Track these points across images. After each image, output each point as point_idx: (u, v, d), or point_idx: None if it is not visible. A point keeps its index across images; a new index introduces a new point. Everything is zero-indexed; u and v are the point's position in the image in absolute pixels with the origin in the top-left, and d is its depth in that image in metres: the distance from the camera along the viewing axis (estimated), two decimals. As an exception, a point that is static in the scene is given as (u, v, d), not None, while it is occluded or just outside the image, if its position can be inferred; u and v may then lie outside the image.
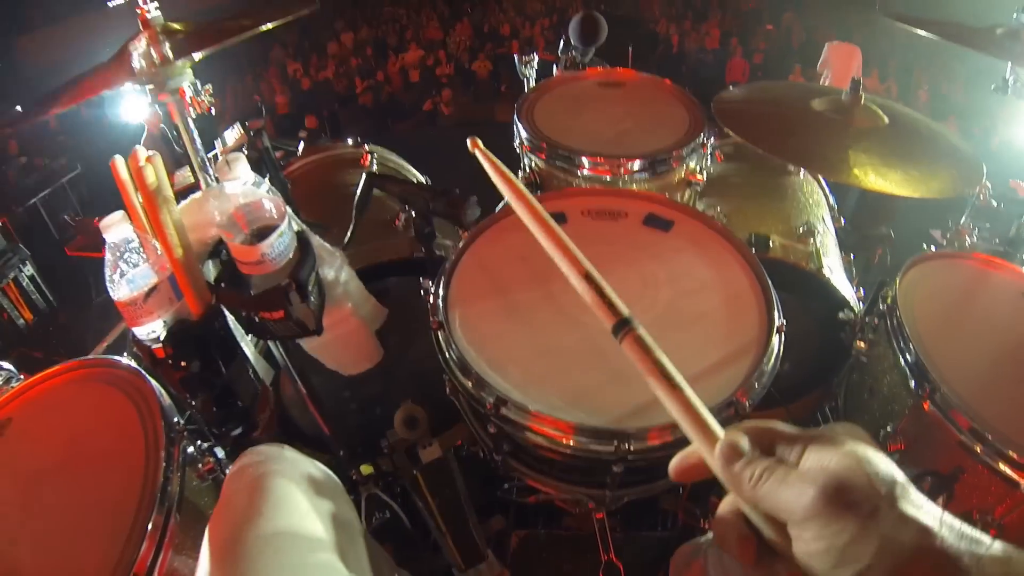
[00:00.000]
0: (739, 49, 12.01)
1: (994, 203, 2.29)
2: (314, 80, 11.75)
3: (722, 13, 15.21)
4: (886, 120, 2.03)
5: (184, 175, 4.93)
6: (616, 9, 17.28)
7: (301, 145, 2.74)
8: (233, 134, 3.12)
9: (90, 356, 1.66)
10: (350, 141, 2.78)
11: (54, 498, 1.33)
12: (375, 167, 2.61)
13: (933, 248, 2.22)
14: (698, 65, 12.25)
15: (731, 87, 2.29)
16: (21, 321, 5.30)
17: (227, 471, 1.18)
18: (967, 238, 2.28)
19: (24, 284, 5.28)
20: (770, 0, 16.40)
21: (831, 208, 2.68)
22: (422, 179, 2.89)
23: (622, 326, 0.78)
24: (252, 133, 2.42)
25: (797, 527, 0.60)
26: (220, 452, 1.59)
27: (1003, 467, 1.42)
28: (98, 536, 1.23)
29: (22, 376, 2.18)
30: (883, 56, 10.69)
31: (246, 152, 2.35)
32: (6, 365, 2.18)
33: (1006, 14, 2.04)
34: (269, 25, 1.46)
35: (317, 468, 1.25)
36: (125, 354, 1.60)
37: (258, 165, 2.14)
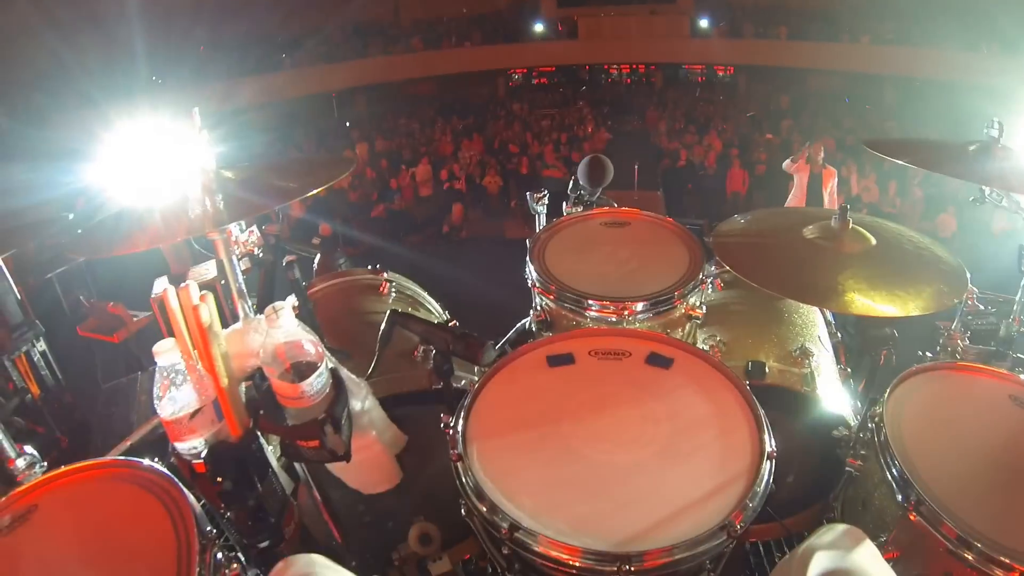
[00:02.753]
0: (736, 161, 12.30)
1: (980, 307, 2.41)
2: (329, 188, 12.01)
3: (723, 124, 15.66)
4: (873, 241, 2.13)
5: (202, 271, 5.11)
6: (623, 126, 17.94)
7: (317, 258, 2.90)
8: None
9: (119, 456, 1.71)
10: (368, 267, 2.94)
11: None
12: (393, 294, 2.78)
13: (928, 355, 2.33)
14: (701, 178, 12.58)
15: (733, 218, 2.43)
16: (28, 395, 5.34)
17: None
18: (959, 342, 2.38)
19: (35, 359, 5.32)
20: (769, 110, 17.08)
21: (828, 324, 2.82)
22: (437, 306, 3.04)
23: None
24: (272, 239, 2.57)
25: None
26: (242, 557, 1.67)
27: (996, 571, 1.49)
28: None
29: (45, 463, 2.25)
30: (879, 157, 11.06)
31: (260, 254, 2.50)
32: (29, 450, 2.24)
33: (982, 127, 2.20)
34: (314, 192, 1.61)
35: None
36: (156, 459, 1.64)
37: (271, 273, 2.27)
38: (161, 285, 4.72)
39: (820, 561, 1.44)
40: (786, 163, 7.97)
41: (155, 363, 1.43)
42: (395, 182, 12.56)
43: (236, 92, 15.18)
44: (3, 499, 1.55)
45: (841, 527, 1.61)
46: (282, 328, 1.45)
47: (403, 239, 10.99)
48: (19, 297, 5.06)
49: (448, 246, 10.83)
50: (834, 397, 2.42)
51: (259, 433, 1.55)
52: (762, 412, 1.70)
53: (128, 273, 6.04)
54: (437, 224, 11.44)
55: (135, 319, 6.02)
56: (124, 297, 6.20)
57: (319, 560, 1.35)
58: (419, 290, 3.00)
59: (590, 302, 2.30)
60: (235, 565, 1.51)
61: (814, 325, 2.71)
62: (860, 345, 2.80)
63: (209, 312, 1.42)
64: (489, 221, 12.07)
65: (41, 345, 5.31)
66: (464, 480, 1.57)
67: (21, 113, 13.10)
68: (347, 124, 18.12)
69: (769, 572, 2.28)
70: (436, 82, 20.80)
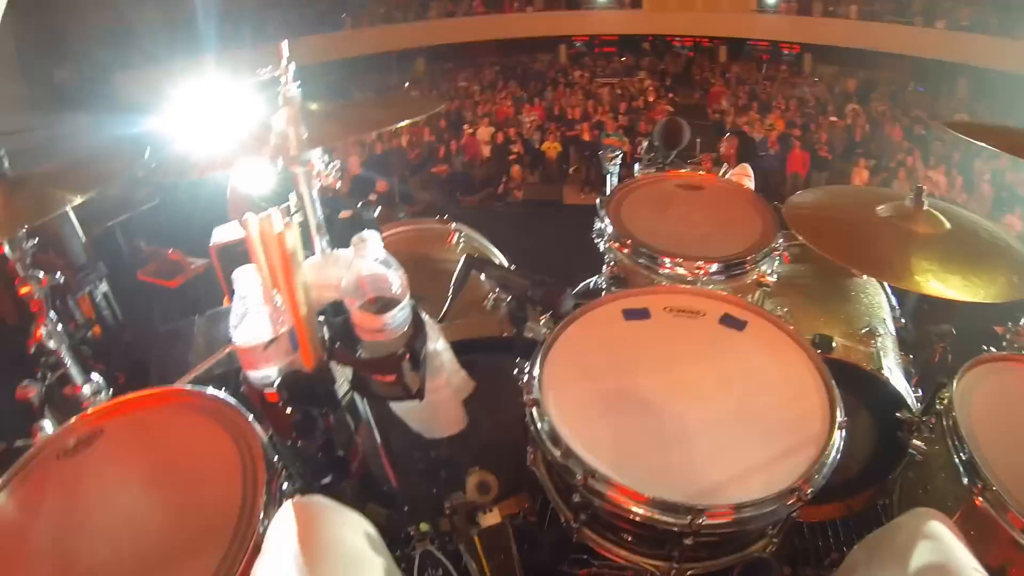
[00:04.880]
0: (797, 142, 11.97)
1: (1052, 304, 2.33)
2: (387, 145, 12.07)
3: (786, 104, 15.25)
4: (948, 226, 2.10)
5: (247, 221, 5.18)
6: (686, 99, 17.55)
7: (378, 210, 2.90)
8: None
9: (184, 385, 1.72)
10: (437, 217, 2.94)
11: (145, 510, 1.36)
12: (461, 244, 2.77)
13: (992, 349, 2.26)
14: (761, 157, 12.31)
15: (796, 192, 2.38)
16: (90, 333, 5.48)
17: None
18: (1027, 338, 2.31)
19: (97, 300, 5.47)
20: (834, 91, 16.54)
21: (892, 309, 2.75)
22: (504, 260, 3.01)
23: None
24: (329, 193, 2.58)
25: None
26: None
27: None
28: (189, 553, 1.26)
29: (111, 389, 2.28)
30: (947, 150, 10.68)
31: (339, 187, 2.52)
32: (95, 377, 2.24)
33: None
34: (403, 123, 1.58)
35: (364, 523, 1.34)
36: (224, 388, 1.64)
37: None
38: (220, 233, 4.80)
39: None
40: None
41: (232, 293, 1.45)
42: (455, 143, 12.55)
43: (295, 50, 15.18)
44: (70, 422, 1.58)
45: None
46: (368, 258, 1.46)
47: (460, 200, 11.01)
48: (83, 240, 5.20)
49: (505, 208, 10.83)
50: (898, 379, 2.36)
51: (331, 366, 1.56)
52: (834, 382, 1.67)
53: (188, 222, 6.16)
54: (494, 187, 11.45)
55: (192, 266, 6.16)
56: (183, 244, 6.33)
57: (331, 503, 1.32)
58: (487, 243, 2.99)
59: (664, 259, 2.29)
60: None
61: (880, 307, 2.66)
62: (915, 339, 2.74)
63: (294, 239, 1.42)
64: (545, 186, 12.05)
65: (104, 286, 5.46)
66: (539, 425, 1.58)
67: (86, 68, 13.41)
68: (406, 84, 18.15)
69: (822, 552, 2.27)
70: (497, 45, 20.59)
